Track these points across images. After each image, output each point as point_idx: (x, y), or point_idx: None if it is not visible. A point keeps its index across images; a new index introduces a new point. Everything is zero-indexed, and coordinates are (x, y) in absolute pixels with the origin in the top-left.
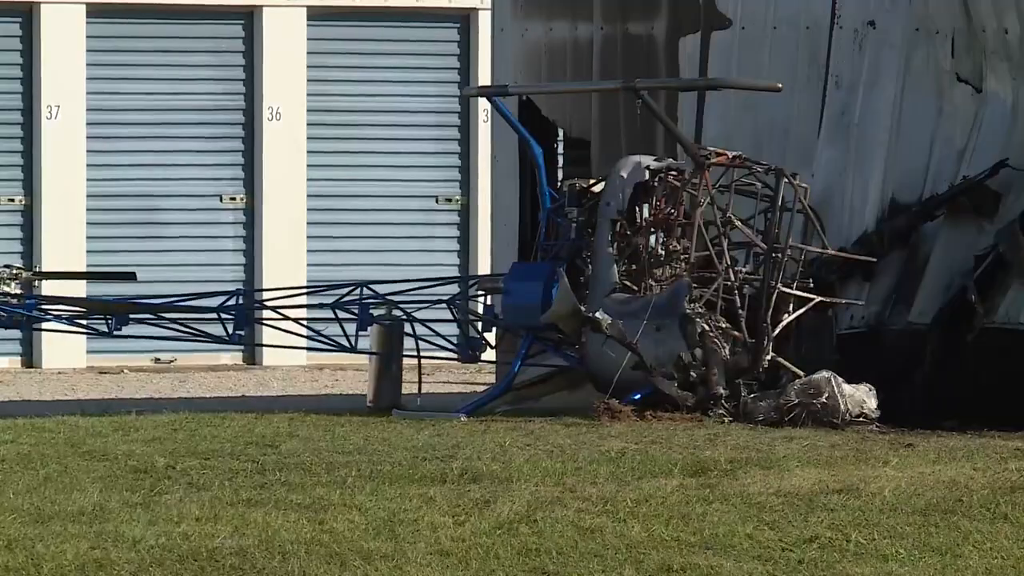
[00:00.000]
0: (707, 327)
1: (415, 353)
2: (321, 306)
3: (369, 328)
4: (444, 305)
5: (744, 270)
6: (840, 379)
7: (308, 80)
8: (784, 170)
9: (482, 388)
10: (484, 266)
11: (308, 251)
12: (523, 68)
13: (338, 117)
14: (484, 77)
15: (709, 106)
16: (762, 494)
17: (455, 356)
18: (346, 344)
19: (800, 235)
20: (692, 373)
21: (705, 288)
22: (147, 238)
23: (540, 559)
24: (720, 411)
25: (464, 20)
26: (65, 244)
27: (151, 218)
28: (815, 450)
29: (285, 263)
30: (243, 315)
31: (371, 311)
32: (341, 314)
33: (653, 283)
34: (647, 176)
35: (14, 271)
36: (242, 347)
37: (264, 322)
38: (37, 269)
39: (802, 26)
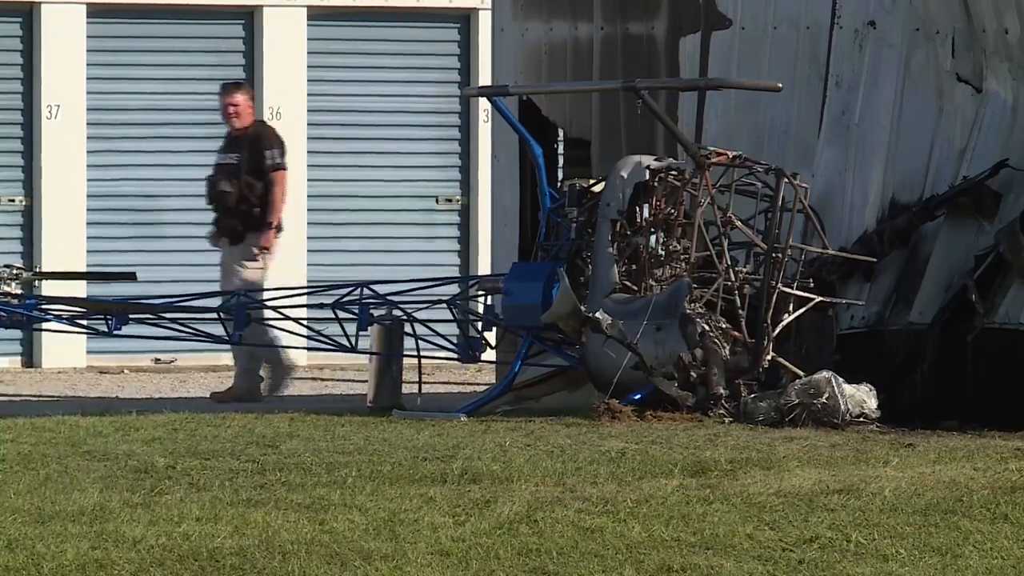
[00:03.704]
0: (707, 327)
1: (415, 353)
2: (321, 306)
3: (369, 328)
4: (444, 305)
5: (744, 270)
6: (840, 379)
7: (308, 80)
8: (784, 170)
9: (482, 388)
10: (484, 266)
11: (308, 251)
12: (523, 68)
13: (338, 117)
14: (484, 77)
15: (709, 106)
16: (762, 494)
17: (455, 356)
18: (346, 344)
19: (800, 235)
20: (692, 373)
21: (705, 288)
22: (147, 238)
23: (540, 559)
24: (720, 411)
25: (464, 20)
26: (65, 244)
27: (151, 218)
28: (815, 450)
29: (285, 263)
30: (243, 315)
31: (371, 311)
32: (341, 314)
33: (653, 283)
34: (647, 176)
35: (14, 271)
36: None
37: (264, 322)
38: (37, 269)
39: (802, 26)
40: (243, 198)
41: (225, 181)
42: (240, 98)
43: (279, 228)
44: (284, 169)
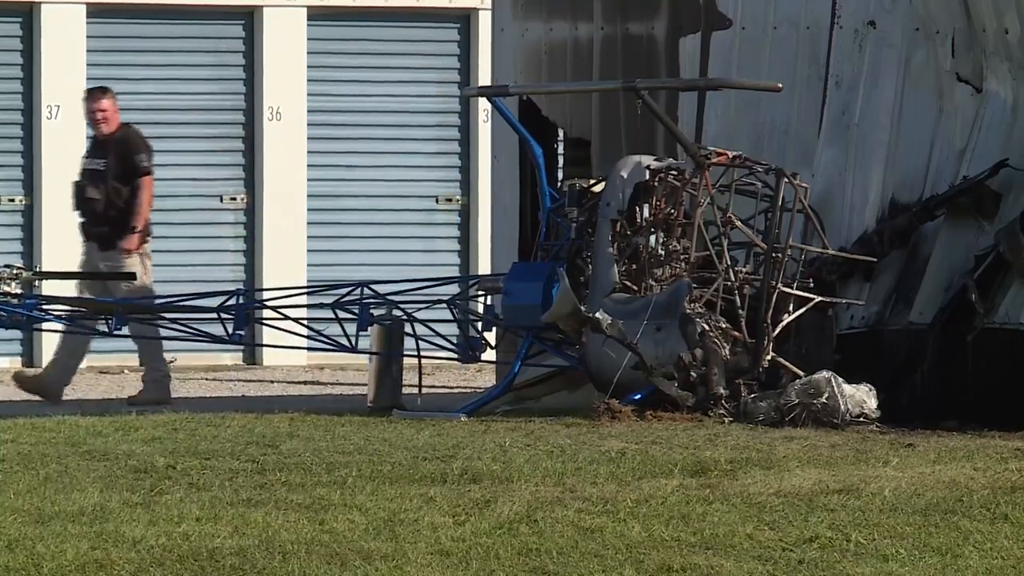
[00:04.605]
0: (707, 327)
1: (415, 353)
2: (321, 306)
3: (369, 328)
4: (444, 305)
5: (744, 270)
6: (840, 379)
7: (308, 80)
8: (784, 170)
9: (482, 388)
10: (484, 266)
11: (308, 251)
12: (523, 68)
13: (338, 117)
14: (484, 77)
15: (709, 106)
16: (762, 494)
17: (455, 356)
18: (346, 344)
19: (800, 235)
20: (692, 373)
21: (705, 288)
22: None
23: (540, 559)
24: (720, 411)
25: (464, 20)
26: (65, 244)
27: (151, 218)
28: (815, 450)
29: (285, 263)
30: (243, 315)
31: (371, 311)
32: (341, 314)
33: (653, 283)
34: (647, 176)
35: (14, 271)
36: (242, 347)
37: (264, 322)
38: (37, 269)
39: (802, 26)
40: (110, 203)
41: (92, 187)
42: (107, 103)
43: (147, 232)
44: (151, 174)
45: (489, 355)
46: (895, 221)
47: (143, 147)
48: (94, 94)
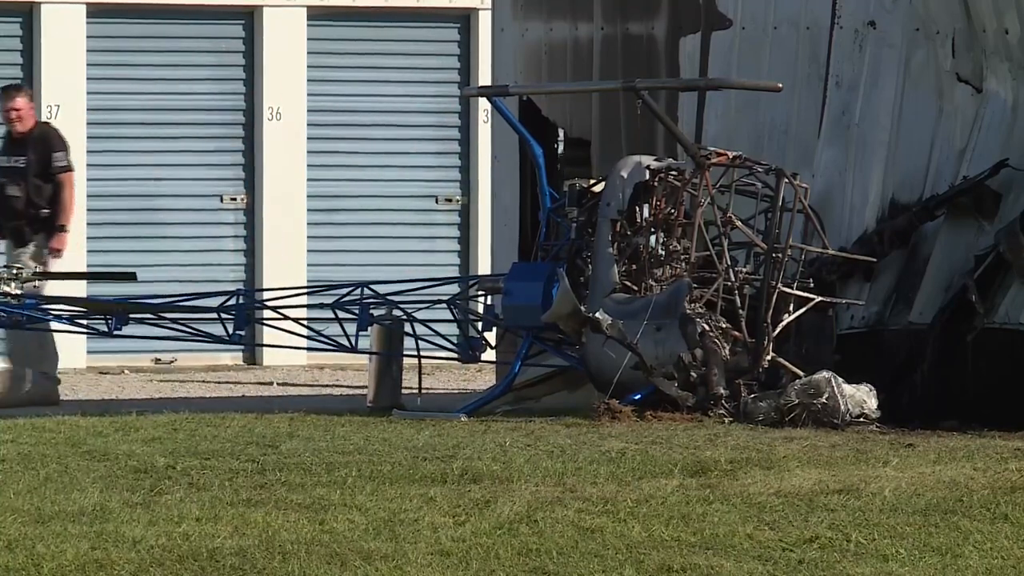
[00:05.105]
0: (707, 327)
1: (415, 353)
2: (321, 306)
3: (369, 328)
4: (444, 305)
5: (744, 270)
6: (840, 379)
7: (308, 80)
8: (784, 170)
9: (482, 388)
10: (484, 266)
11: (308, 251)
12: (523, 68)
13: (338, 117)
14: (484, 77)
15: (709, 106)
16: (762, 494)
17: (455, 356)
18: (346, 344)
19: (800, 235)
20: (692, 373)
21: (705, 288)
22: (147, 238)
23: (540, 559)
24: (720, 411)
25: (464, 20)
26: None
27: (151, 218)
28: (815, 450)
29: (285, 263)
30: (243, 315)
31: (371, 311)
32: (341, 314)
33: (653, 283)
34: (647, 176)
35: (14, 271)
36: (242, 347)
37: (264, 322)
38: (37, 269)
39: (802, 26)
40: (31, 201)
41: (12, 185)
42: (21, 101)
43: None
44: (71, 171)
45: (489, 355)
46: (895, 221)
47: (61, 145)
48: (8, 92)
